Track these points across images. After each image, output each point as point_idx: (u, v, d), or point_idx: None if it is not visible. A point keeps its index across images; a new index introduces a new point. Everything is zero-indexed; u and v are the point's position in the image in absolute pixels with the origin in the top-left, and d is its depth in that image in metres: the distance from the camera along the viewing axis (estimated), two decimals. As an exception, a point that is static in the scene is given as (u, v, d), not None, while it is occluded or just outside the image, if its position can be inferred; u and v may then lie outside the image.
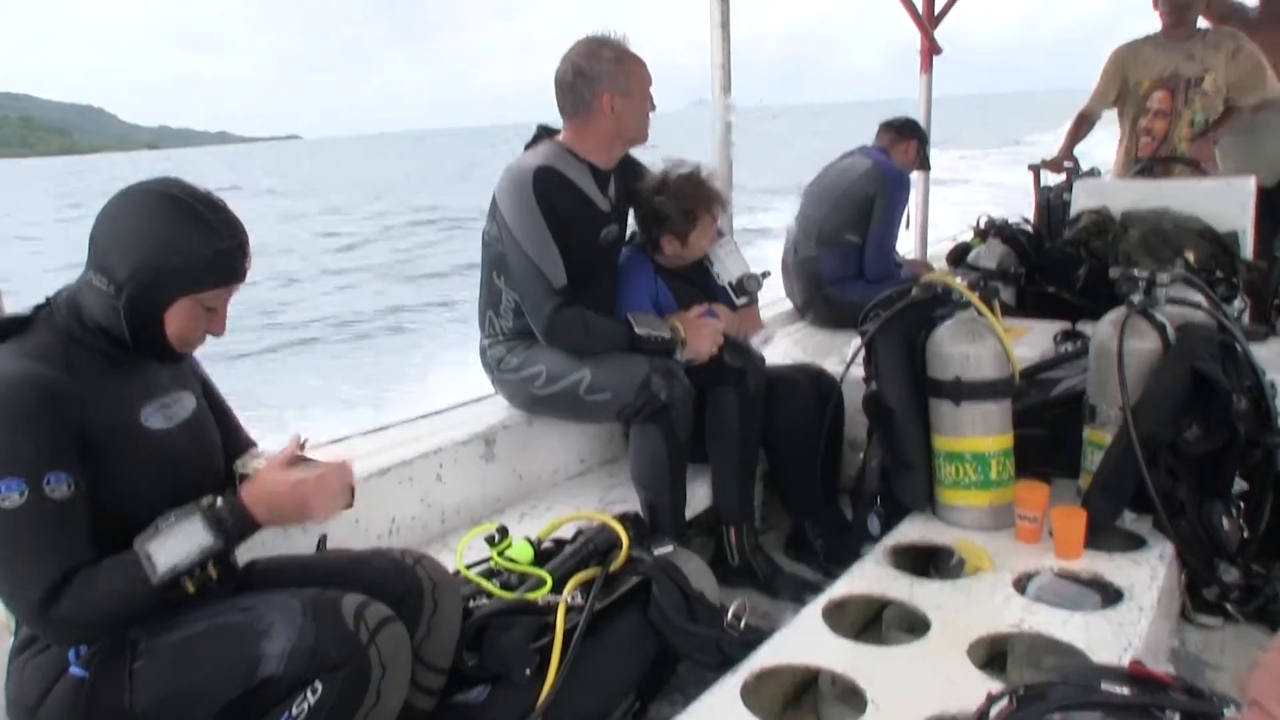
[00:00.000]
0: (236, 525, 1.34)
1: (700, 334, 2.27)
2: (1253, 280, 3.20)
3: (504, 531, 1.81)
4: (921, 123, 4.02)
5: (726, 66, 3.17)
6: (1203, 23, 3.98)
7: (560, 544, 1.88)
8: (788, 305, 3.78)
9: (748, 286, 2.50)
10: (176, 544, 1.29)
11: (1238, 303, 3.18)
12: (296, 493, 1.38)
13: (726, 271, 2.50)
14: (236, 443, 1.61)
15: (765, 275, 2.57)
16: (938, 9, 5.03)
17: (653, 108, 2.32)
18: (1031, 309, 3.47)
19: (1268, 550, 2.15)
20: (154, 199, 1.35)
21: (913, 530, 2.16)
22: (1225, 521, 2.09)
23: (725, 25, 3.13)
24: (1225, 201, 3.35)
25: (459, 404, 2.56)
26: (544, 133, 2.37)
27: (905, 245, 4.60)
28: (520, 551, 1.78)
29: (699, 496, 2.38)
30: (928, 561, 2.15)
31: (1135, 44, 3.93)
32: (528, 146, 2.36)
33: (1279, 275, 3.24)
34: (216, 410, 1.59)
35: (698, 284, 2.51)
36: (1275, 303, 3.22)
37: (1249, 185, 3.38)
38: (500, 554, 1.77)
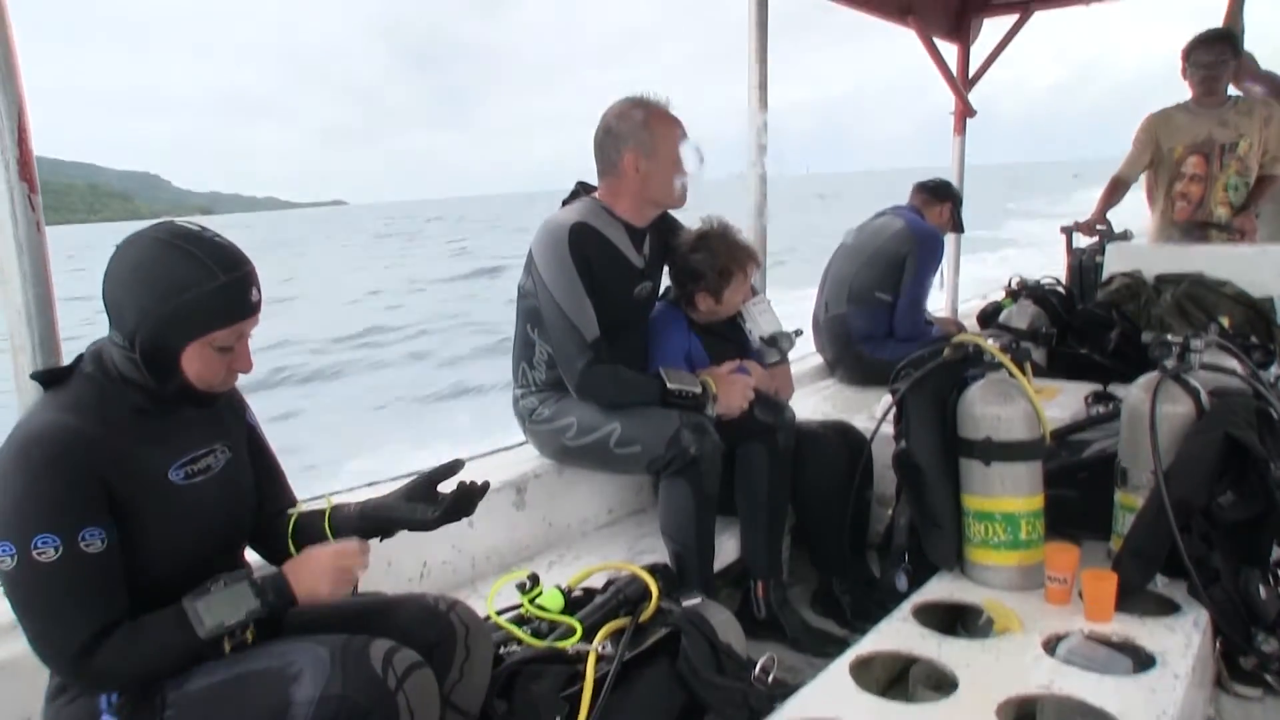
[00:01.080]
0: (277, 597, 1.37)
1: (731, 390, 2.30)
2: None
3: (535, 579, 1.83)
4: (955, 185, 4.08)
5: (762, 129, 3.24)
6: (1233, 91, 4.02)
7: (590, 593, 1.89)
8: (818, 361, 3.81)
9: (780, 344, 2.54)
10: (224, 606, 1.32)
11: (1275, 369, 3.16)
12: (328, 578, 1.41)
13: (759, 328, 2.55)
14: (277, 497, 1.62)
15: (798, 333, 2.61)
16: (971, 72, 5.12)
17: (685, 172, 2.35)
18: (1062, 370, 3.46)
19: (1308, 621, 2.11)
20: (146, 246, 1.34)
21: (941, 588, 2.15)
22: (1263, 590, 2.06)
23: (763, 86, 3.21)
24: (1261, 268, 3.35)
25: (491, 451, 2.60)
26: (582, 189, 2.44)
27: (936, 303, 4.64)
28: (551, 600, 1.80)
29: (727, 549, 2.39)
30: (955, 620, 2.13)
31: (1167, 111, 3.98)
32: (565, 202, 2.43)
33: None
34: (261, 461, 1.60)
35: (731, 340, 2.56)
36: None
37: None
38: (531, 601, 1.80)
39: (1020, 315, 3.63)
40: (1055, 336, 3.58)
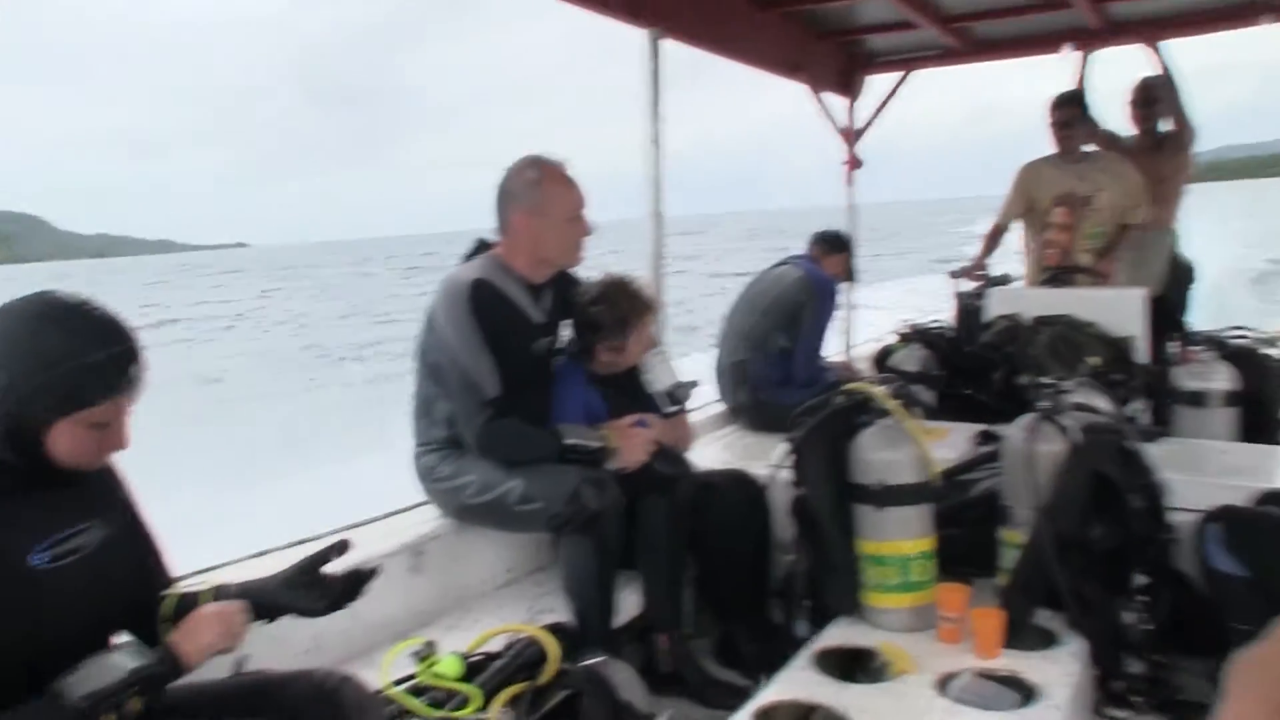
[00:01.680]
0: (160, 658, 1.29)
1: (631, 443, 2.32)
2: (1148, 383, 3.38)
3: (431, 646, 1.80)
4: (846, 232, 4.23)
5: (658, 181, 3.31)
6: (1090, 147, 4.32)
7: (491, 657, 1.87)
8: (721, 409, 3.87)
9: (678, 395, 2.58)
10: (97, 674, 1.22)
11: (1137, 404, 3.35)
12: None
13: (658, 380, 2.58)
14: (153, 578, 1.53)
15: (695, 384, 2.65)
16: (859, 124, 5.35)
17: (586, 232, 2.39)
18: (952, 411, 3.59)
19: (1170, 642, 2.23)
20: (18, 316, 1.27)
21: (839, 634, 2.20)
22: (1129, 616, 2.18)
23: (656, 141, 3.29)
24: (1120, 310, 3.56)
25: (388, 514, 2.55)
26: (482, 246, 2.46)
27: (833, 347, 4.78)
28: (449, 666, 1.77)
29: (629, 604, 2.39)
30: (855, 664, 2.18)
31: (1036, 164, 4.25)
32: (466, 259, 2.44)
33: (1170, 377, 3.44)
34: (135, 539, 1.52)
35: (631, 392, 2.58)
36: (1169, 403, 3.40)
37: (1140, 295, 3.62)
38: (428, 669, 1.76)
39: (910, 359, 3.77)
40: (944, 378, 3.72)
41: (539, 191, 2.32)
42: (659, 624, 2.38)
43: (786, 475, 2.38)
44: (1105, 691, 2.18)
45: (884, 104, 5.28)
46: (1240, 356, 3.46)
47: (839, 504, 2.27)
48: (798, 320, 3.62)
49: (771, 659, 2.33)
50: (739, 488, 2.57)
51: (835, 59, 5.09)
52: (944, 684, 1.94)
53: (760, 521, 2.53)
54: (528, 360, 2.38)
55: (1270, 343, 3.72)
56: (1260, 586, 2.11)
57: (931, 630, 2.15)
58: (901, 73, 5.26)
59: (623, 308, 2.47)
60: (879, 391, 2.28)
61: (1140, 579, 2.26)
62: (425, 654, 1.78)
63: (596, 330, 2.49)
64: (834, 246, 3.92)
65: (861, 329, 5.47)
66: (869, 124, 5.32)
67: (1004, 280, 4.52)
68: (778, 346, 3.63)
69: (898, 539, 2.20)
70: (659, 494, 2.35)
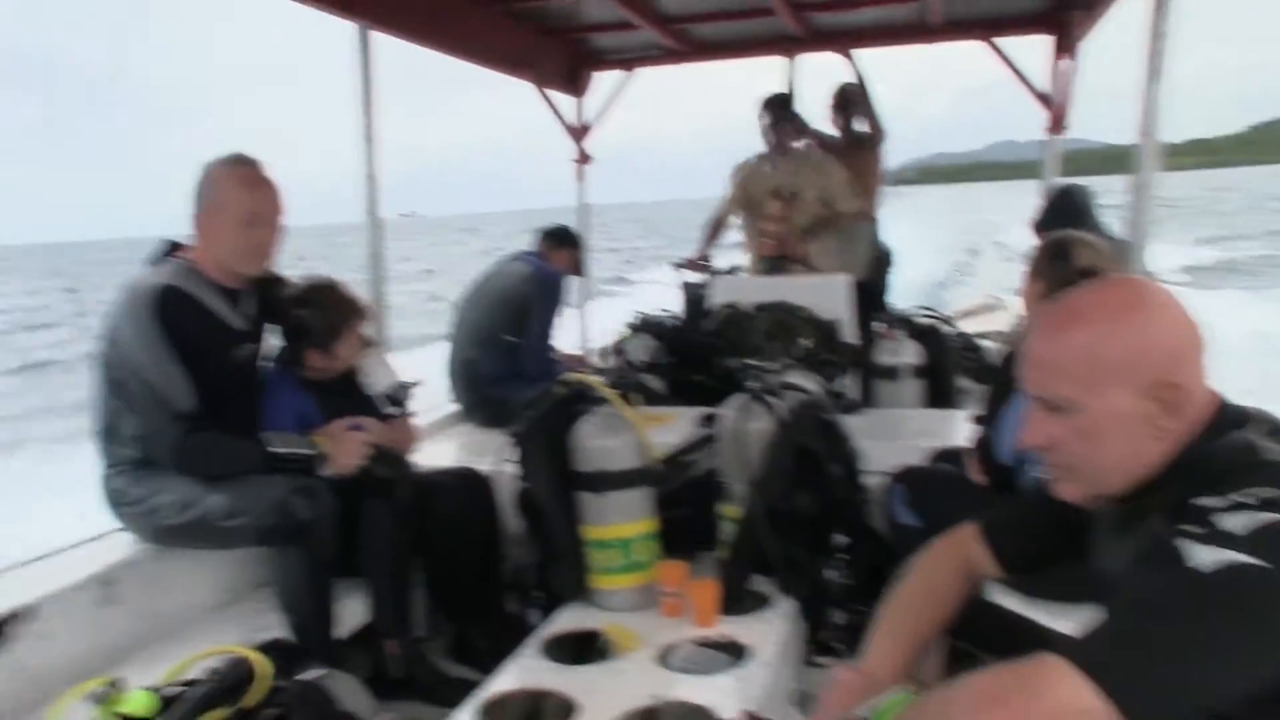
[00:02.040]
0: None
1: (344, 447, 2.23)
2: (853, 360, 3.71)
3: (117, 685, 1.63)
4: (575, 230, 4.31)
5: (374, 179, 3.21)
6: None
7: (192, 686, 1.73)
8: (454, 407, 3.82)
9: (398, 396, 2.51)
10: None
11: (844, 380, 3.67)
12: None
13: (377, 382, 2.50)
14: None
15: (416, 385, 2.59)
16: (586, 122, 5.46)
17: (264, 238, 2.23)
18: (681, 396, 3.76)
19: (868, 593, 2.46)
20: None
21: (568, 619, 2.24)
22: (833, 573, 2.38)
23: (370, 138, 3.19)
24: (828, 295, 3.88)
25: (73, 544, 2.29)
26: (172, 247, 2.26)
27: (571, 340, 4.85)
28: (137, 704, 1.61)
29: (355, 612, 2.30)
30: (582, 647, 2.22)
31: (751, 160, 4.55)
32: (152, 262, 2.24)
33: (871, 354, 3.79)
34: None
35: (348, 396, 2.49)
36: (870, 377, 3.76)
37: (846, 281, 3.96)
38: (111, 712, 1.60)
39: (641, 348, 3.90)
40: (673, 365, 3.88)
41: (216, 191, 2.17)
42: (387, 630, 2.31)
43: (512, 469, 2.39)
44: (814, 642, 2.37)
45: (610, 101, 5.42)
46: (926, 333, 3.88)
47: (562, 493, 2.30)
48: (525, 315, 3.64)
49: (507, 651, 2.34)
50: (464, 485, 2.55)
51: (561, 56, 5.16)
52: (665, 656, 2.03)
53: (487, 516, 2.52)
54: (227, 369, 2.22)
55: (948, 321, 4.20)
56: (931, 534, 2.36)
57: (655, 607, 2.24)
58: (626, 71, 5.42)
59: (330, 311, 2.38)
60: (595, 381, 2.34)
61: (841, 539, 2.49)
62: (107, 695, 1.61)
63: (304, 335, 2.37)
64: (561, 241, 3.97)
65: (601, 321, 5.61)
66: (596, 121, 5.45)
67: (733, 271, 4.80)
68: (506, 342, 3.63)
69: (619, 523, 2.27)
70: (379, 498, 2.27)
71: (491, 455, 2.97)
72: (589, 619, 2.23)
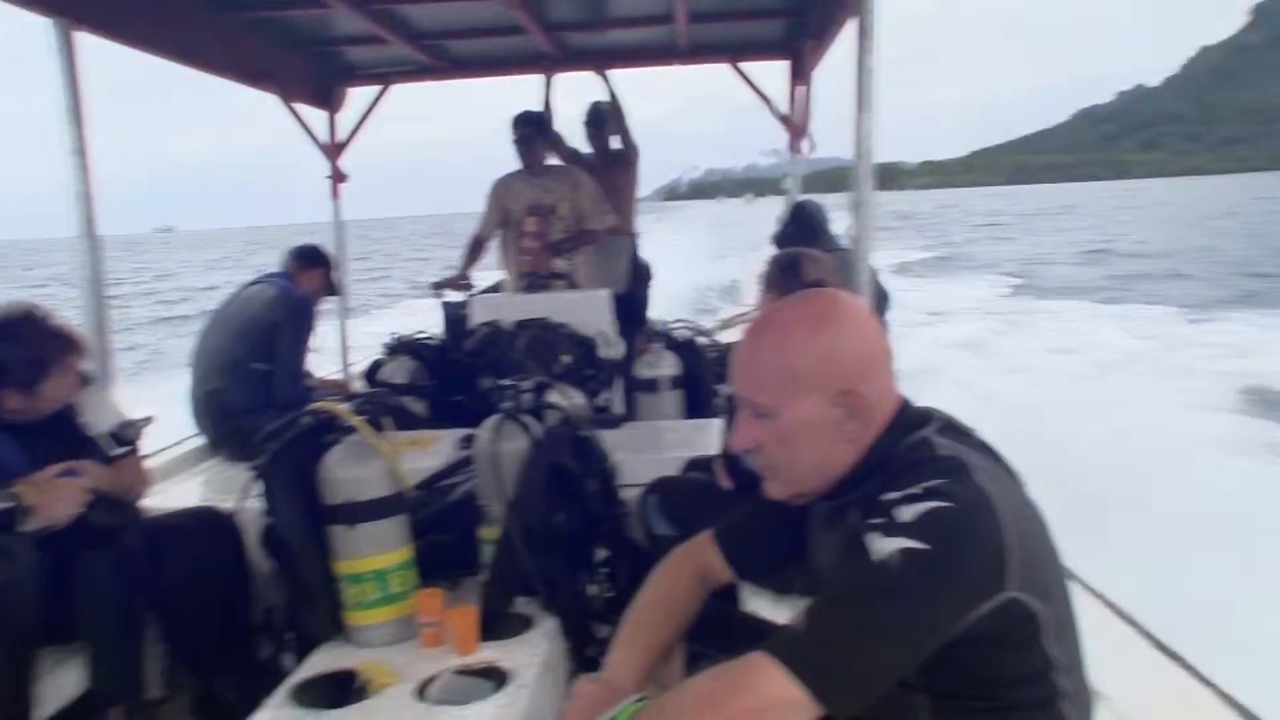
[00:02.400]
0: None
1: (54, 496, 2.02)
2: (614, 373, 3.81)
3: None
4: (332, 248, 4.14)
5: (89, 196, 2.94)
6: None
7: None
8: (200, 441, 3.56)
9: (125, 435, 2.30)
10: None
11: (608, 393, 3.76)
12: None
13: (100, 421, 2.29)
14: None
15: (147, 421, 2.39)
16: (340, 139, 5.26)
17: None
18: (443, 418, 3.70)
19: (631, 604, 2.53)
20: None
21: (321, 661, 2.13)
22: (593, 588, 2.42)
23: (81, 151, 2.91)
24: (588, 310, 3.96)
25: None
26: None
27: (331, 366, 4.65)
28: None
29: (70, 682, 2.08)
30: (337, 689, 2.13)
31: (507, 177, 4.56)
32: None
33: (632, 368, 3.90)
34: None
35: (62, 438, 2.25)
36: (632, 390, 3.86)
37: (605, 296, 4.05)
38: None
39: (400, 370, 3.80)
40: (434, 387, 3.81)
41: None
42: (109, 696, 2.10)
43: (256, 504, 2.26)
44: (579, 658, 2.40)
45: (365, 117, 5.27)
46: (682, 346, 4.04)
47: (310, 528, 2.20)
48: (274, 341, 3.44)
49: (258, 703, 2.20)
50: (204, 526, 2.38)
51: (310, 70, 4.95)
52: (424, 689, 1.98)
53: (230, 558, 2.36)
54: None
55: (705, 333, 4.40)
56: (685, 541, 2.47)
57: (416, 638, 2.19)
58: (381, 86, 5.28)
59: (34, 346, 2.14)
60: (342, 409, 2.25)
61: (601, 553, 2.53)
62: None
63: (1, 374, 2.12)
64: (311, 261, 3.80)
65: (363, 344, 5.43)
66: (351, 137, 5.27)
67: (496, 289, 4.78)
68: (255, 370, 3.42)
69: (373, 554, 2.19)
70: (100, 550, 2.07)
71: (240, 491, 2.81)
72: (345, 658, 2.14)
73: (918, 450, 1.22)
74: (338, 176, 5.19)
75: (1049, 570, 1.21)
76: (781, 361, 1.25)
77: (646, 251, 5.54)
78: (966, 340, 12.82)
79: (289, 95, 4.74)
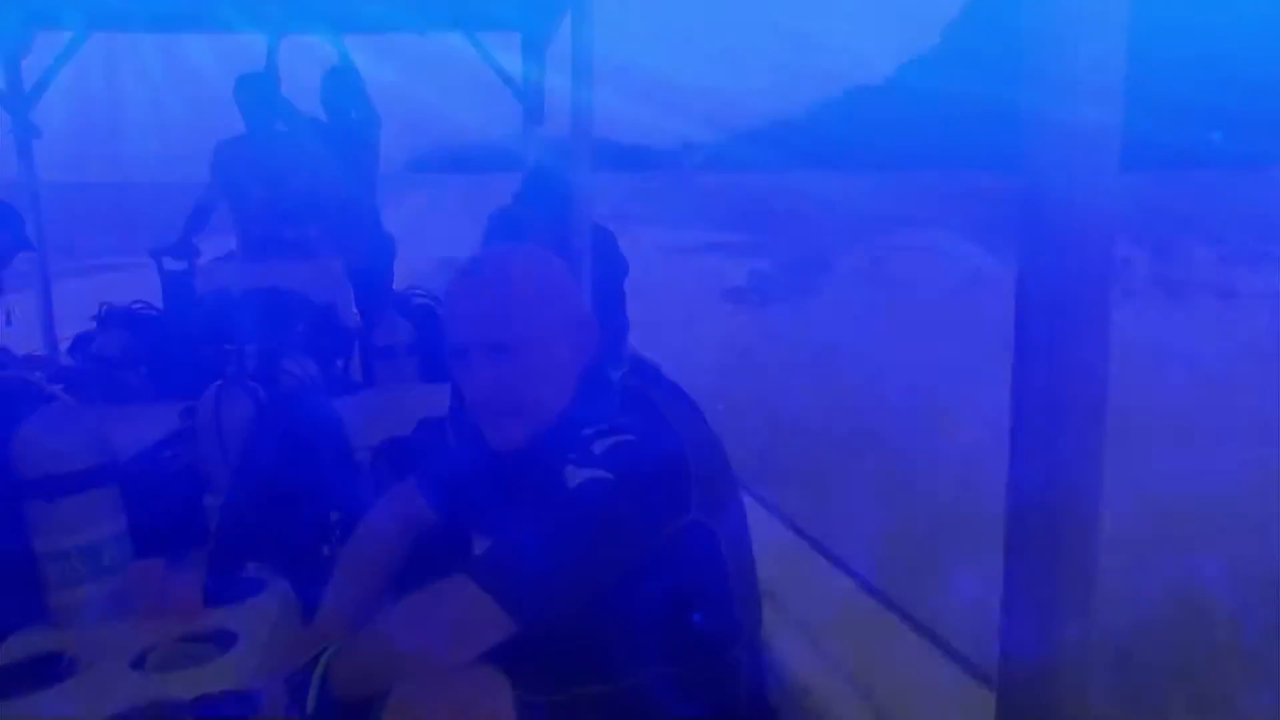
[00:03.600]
0: None
1: None
2: (350, 341, 3.78)
3: None
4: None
5: None
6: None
7: None
8: None
9: None
10: None
11: (344, 361, 3.73)
12: None
13: None
14: None
15: None
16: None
17: None
18: (167, 392, 3.51)
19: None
20: None
21: (22, 644, 2.01)
22: (328, 549, 2.44)
23: None
24: (323, 279, 3.89)
25: None
26: None
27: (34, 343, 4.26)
28: None
29: None
30: (45, 671, 2.03)
31: (230, 142, 4.33)
32: None
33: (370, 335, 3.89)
34: None
35: None
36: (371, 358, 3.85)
37: (339, 265, 4.00)
38: None
39: (114, 344, 3.56)
40: (153, 358, 3.60)
41: None
42: None
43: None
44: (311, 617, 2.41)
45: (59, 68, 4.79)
46: (418, 312, 4.06)
47: (5, 504, 2.06)
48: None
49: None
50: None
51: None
52: (142, 660, 1.93)
53: None
54: None
55: (435, 298, 4.43)
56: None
57: (133, 613, 2.11)
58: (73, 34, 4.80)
59: None
60: (35, 377, 2.13)
61: (336, 514, 2.55)
62: None
63: None
64: None
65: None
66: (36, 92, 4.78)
67: (229, 259, 4.54)
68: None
69: (79, 529, 2.09)
70: None
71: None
72: (50, 640, 2.03)
73: (611, 390, 1.38)
74: (26, 131, 4.68)
75: (721, 489, 1.41)
76: (528, 299, 1.37)
77: (390, 224, 5.44)
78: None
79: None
